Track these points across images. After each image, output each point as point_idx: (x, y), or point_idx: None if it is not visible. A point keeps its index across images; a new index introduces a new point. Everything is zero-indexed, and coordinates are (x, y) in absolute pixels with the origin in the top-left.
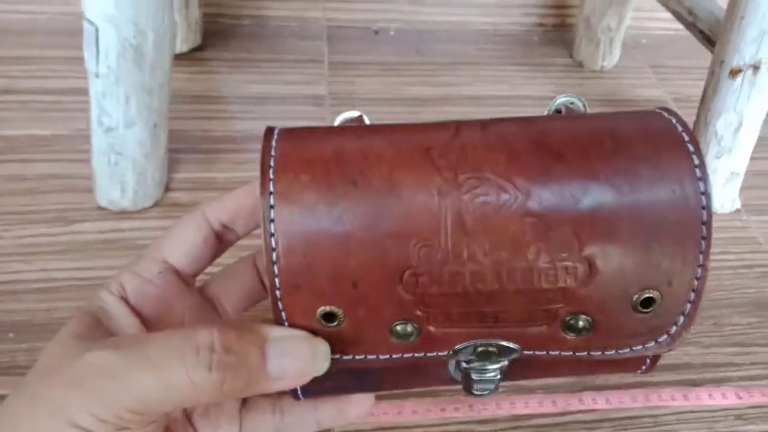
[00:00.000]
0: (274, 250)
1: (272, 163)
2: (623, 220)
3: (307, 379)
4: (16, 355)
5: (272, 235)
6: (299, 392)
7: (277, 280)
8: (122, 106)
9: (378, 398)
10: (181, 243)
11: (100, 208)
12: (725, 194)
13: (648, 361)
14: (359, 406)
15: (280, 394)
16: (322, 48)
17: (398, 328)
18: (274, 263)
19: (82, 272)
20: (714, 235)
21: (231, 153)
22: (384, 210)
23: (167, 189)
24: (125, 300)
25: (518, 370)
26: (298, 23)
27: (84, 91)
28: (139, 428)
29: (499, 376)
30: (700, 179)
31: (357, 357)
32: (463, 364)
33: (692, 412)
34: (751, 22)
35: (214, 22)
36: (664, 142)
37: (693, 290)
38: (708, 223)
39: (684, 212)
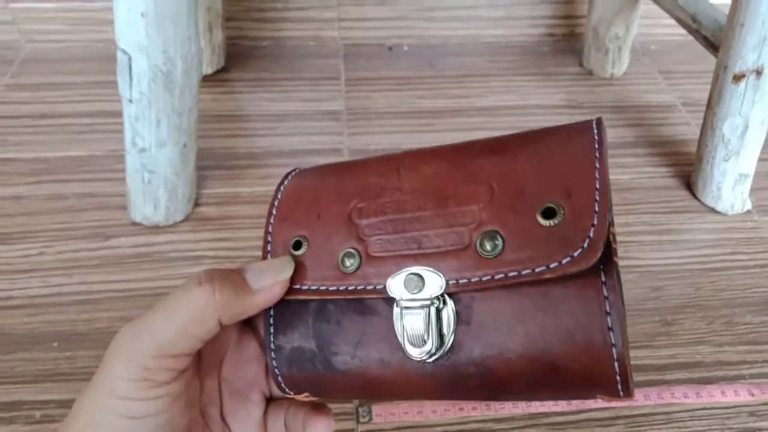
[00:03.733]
0: (277, 198)
1: (288, 179)
2: (522, 152)
3: (281, 284)
4: (59, 363)
5: (279, 190)
6: (279, 378)
7: (272, 216)
8: (154, 129)
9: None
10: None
11: (135, 223)
12: (735, 195)
13: (615, 368)
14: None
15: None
16: (338, 65)
17: (345, 259)
18: (274, 207)
19: (120, 284)
20: (725, 235)
21: (254, 168)
22: (357, 166)
23: (197, 204)
24: None
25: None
26: (315, 42)
27: (115, 114)
28: (169, 379)
29: (432, 329)
30: (595, 133)
31: (312, 287)
32: (400, 304)
33: (705, 409)
34: (751, 29)
35: (236, 45)
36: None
37: (596, 201)
38: (600, 150)
39: (577, 145)
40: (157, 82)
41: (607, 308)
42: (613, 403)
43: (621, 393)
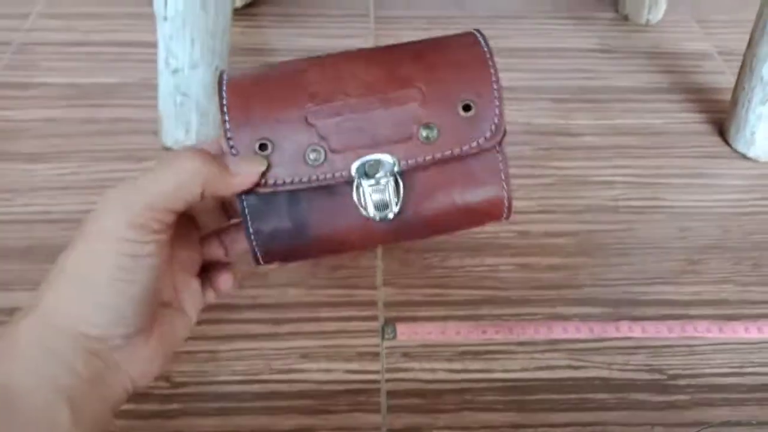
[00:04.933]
0: (224, 104)
1: (225, 82)
2: (438, 62)
3: (256, 174)
4: None
5: (222, 90)
6: (258, 255)
7: (227, 122)
8: (188, 48)
9: (422, 319)
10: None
11: (166, 148)
12: None
13: (505, 205)
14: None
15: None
16: (368, 3)
17: (311, 154)
18: (225, 111)
19: None
20: (756, 181)
21: None
22: (296, 73)
23: None
24: None
25: (410, 213)
26: None
27: (148, 44)
28: (159, 228)
29: (393, 197)
30: (484, 44)
31: (287, 180)
32: (363, 183)
33: (727, 344)
34: None
35: None
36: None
37: (496, 98)
38: (492, 59)
39: (476, 56)
40: (193, 0)
41: (502, 168)
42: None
43: (506, 218)
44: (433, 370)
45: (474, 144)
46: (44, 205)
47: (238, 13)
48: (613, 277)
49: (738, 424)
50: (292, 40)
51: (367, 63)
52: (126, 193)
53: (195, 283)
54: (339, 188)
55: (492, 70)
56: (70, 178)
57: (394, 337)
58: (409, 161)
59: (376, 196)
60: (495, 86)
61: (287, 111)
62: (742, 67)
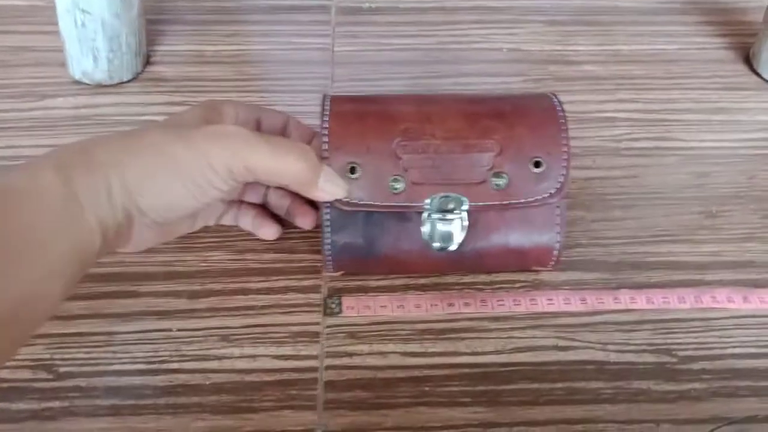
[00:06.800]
0: (326, 127)
1: (329, 107)
2: (517, 120)
3: (336, 195)
4: None
5: (325, 115)
6: (330, 263)
7: (326, 143)
8: None
9: (375, 290)
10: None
11: (76, 82)
12: None
13: (555, 255)
14: (270, 229)
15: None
16: None
17: (394, 183)
18: (326, 134)
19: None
20: None
21: (222, 25)
22: (393, 110)
23: (149, 62)
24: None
25: (470, 248)
26: None
27: None
28: (237, 185)
29: (458, 232)
30: (560, 109)
31: (367, 202)
32: (433, 215)
33: (753, 317)
34: None
35: None
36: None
37: (564, 159)
38: (565, 123)
39: (551, 118)
40: None
41: (558, 222)
42: (584, 305)
43: (553, 266)
44: (384, 354)
45: (539, 197)
46: None
47: None
48: (612, 234)
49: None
50: None
51: (456, 112)
52: (245, 141)
53: (222, 205)
54: (411, 216)
55: (564, 134)
56: None
57: (340, 312)
58: (478, 203)
59: (443, 228)
60: (565, 148)
61: (379, 141)
62: None
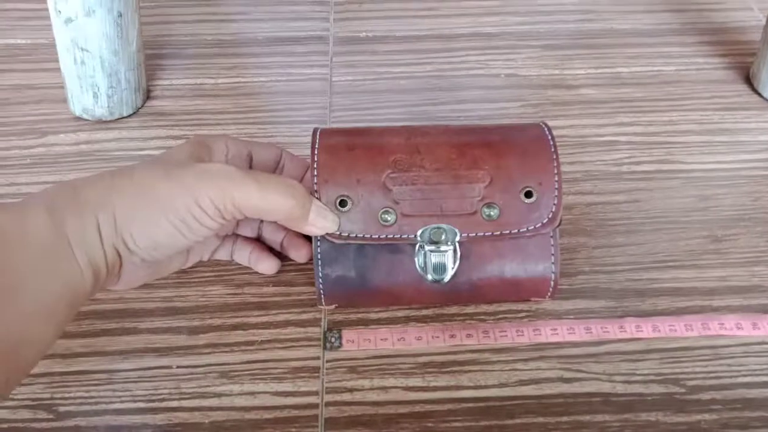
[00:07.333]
0: (315, 161)
1: (318, 141)
2: (507, 149)
3: (327, 229)
4: None
5: (315, 149)
6: (322, 296)
7: (316, 177)
8: None
9: (375, 322)
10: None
11: (77, 118)
12: None
13: (551, 285)
14: (268, 264)
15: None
16: None
17: (384, 215)
18: (315, 167)
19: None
20: None
21: (221, 58)
22: (382, 142)
23: (149, 97)
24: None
25: (464, 281)
26: None
27: None
28: (226, 222)
29: (451, 263)
30: (550, 138)
31: (359, 235)
32: (425, 247)
33: (764, 343)
34: None
35: None
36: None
37: (556, 188)
38: (555, 152)
39: (541, 147)
40: None
41: (553, 251)
42: (593, 332)
43: (550, 296)
44: (385, 389)
45: (531, 227)
46: None
47: None
48: (616, 261)
49: None
50: None
51: (446, 142)
52: (232, 179)
53: (215, 240)
54: (403, 248)
55: (555, 163)
56: None
57: (340, 346)
58: (470, 234)
59: (435, 260)
60: (556, 177)
61: (369, 174)
62: None
